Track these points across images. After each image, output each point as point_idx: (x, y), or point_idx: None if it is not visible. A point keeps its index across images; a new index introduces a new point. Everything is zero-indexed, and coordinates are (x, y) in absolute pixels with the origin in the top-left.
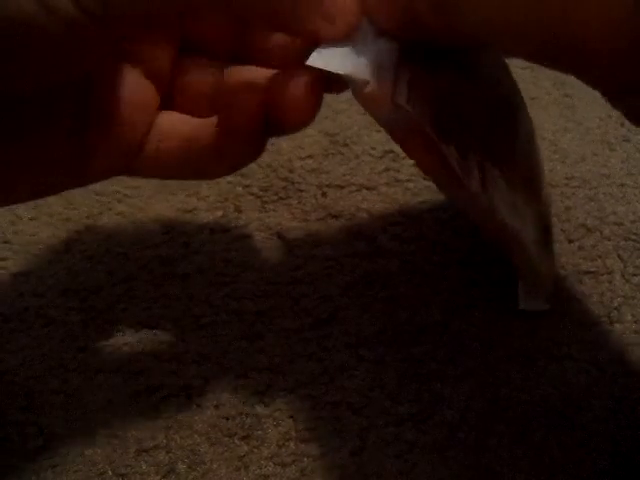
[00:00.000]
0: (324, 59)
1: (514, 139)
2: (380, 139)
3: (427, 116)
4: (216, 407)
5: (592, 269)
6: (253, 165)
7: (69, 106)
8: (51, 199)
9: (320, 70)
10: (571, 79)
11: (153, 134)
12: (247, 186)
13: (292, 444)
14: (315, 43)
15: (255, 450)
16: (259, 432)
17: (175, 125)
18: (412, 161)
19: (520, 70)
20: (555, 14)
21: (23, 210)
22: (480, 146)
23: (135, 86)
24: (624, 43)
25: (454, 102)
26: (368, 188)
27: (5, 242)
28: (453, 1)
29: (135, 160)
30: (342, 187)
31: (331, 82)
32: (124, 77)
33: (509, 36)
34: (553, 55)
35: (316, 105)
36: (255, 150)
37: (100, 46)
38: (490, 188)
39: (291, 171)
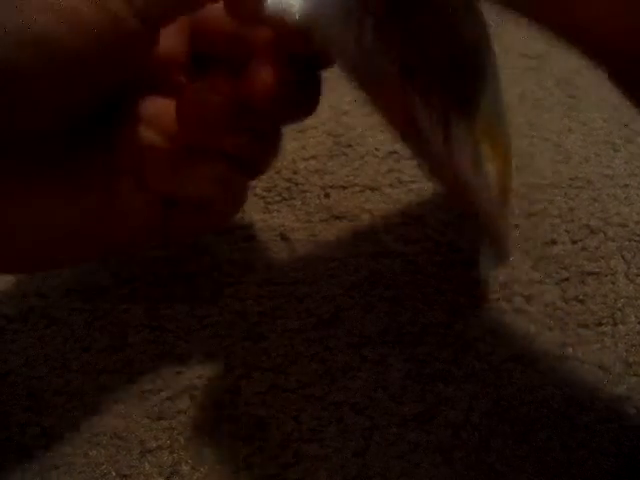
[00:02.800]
0: (283, 3)
1: (480, 87)
2: (384, 140)
3: (393, 61)
4: (219, 408)
5: (596, 270)
6: None
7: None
8: None
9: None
10: (575, 80)
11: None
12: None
13: (295, 445)
14: None
15: (258, 451)
16: (262, 433)
17: None
18: (415, 162)
19: (523, 71)
20: None
21: None
22: (445, 94)
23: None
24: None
25: (421, 47)
26: (372, 189)
27: None
28: None
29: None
30: (345, 188)
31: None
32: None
33: None
34: (547, 15)
35: (287, 86)
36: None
37: (138, 53)
38: (453, 143)
39: (295, 172)
